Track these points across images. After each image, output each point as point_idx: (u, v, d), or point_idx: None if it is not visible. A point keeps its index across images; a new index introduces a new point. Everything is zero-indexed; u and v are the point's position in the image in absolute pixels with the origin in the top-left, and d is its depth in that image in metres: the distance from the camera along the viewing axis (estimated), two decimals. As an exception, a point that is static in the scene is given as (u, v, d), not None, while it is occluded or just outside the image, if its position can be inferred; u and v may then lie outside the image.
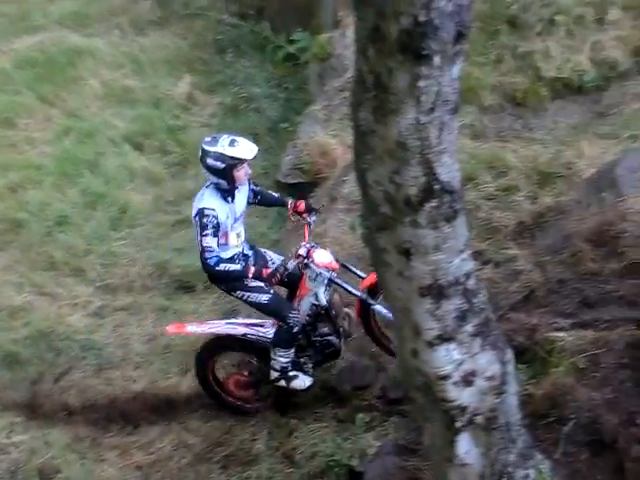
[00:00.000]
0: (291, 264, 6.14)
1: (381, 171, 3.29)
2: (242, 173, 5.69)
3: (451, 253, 3.48)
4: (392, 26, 2.91)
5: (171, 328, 6.53)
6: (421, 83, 3.01)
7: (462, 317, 3.65)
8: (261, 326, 6.20)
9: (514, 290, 6.06)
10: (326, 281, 5.95)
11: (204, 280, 6.83)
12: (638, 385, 4.62)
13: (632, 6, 8.63)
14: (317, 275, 5.90)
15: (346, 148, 8.02)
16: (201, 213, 5.63)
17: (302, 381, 6.23)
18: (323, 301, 5.98)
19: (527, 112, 8.50)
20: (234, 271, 5.76)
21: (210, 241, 5.60)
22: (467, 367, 3.75)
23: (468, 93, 7.98)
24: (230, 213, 5.78)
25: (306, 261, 5.90)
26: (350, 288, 6.05)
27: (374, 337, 6.20)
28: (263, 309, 6.05)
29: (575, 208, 6.48)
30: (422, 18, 2.87)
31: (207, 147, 5.65)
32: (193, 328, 6.35)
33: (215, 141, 5.66)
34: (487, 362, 3.80)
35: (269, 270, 5.91)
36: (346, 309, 6.30)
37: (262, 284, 5.91)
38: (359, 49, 3.12)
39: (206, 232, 5.59)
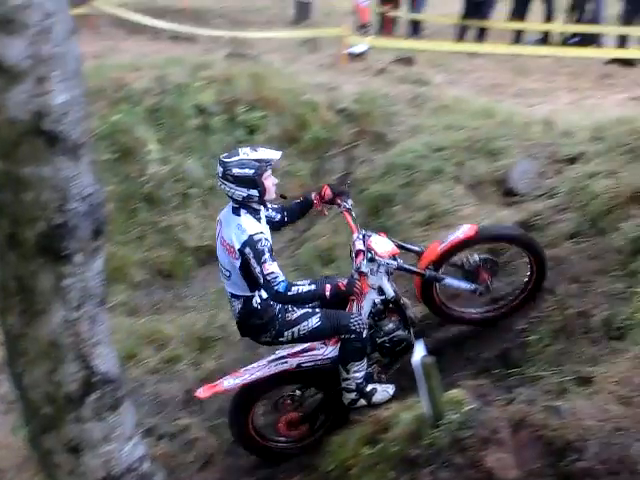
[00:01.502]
0: (364, 265, 5.11)
1: (37, 372, 3.27)
2: (270, 182, 4.98)
3: (121, 441, 3.52)
4: (29, 231, 2.99)
5: (201, 392, 5.28)
6: (66, 282, 3.09)
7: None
8: (312, 349, 5.28)
9: (192, 459, 6.10)
10: (391, 270, 5.22)
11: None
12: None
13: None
14: (379, 267, 5.16)
15: (-2, 345, 7.65)
16: (250, 240, 4.82)
17: (384, 392, 5.30)
18: (390, 292, 5.26)
19: (177, 282, 8.75)
20: (308, 292, 5.01)
21: (271, 267, 4.80)
22: None
23: (116, 272, 8.08)
24: (269, 236, 5.02)
25: (370, 255, 5.12)
26: (415, 269, 5.32)
27: (440, 312, 5.61)
28: (321, 333, 5.16)
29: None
30: (57, 221, 2.99)
31: (228, 159, 4.92)
32: (230, 382, 5.22)
33: (234, 152, 4.97)
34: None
35: (344, 282, 5.11)
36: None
37: (305, 309, 5.15)
38: (-2, 256, 3.14)
39: (264, 258, 4.79)
